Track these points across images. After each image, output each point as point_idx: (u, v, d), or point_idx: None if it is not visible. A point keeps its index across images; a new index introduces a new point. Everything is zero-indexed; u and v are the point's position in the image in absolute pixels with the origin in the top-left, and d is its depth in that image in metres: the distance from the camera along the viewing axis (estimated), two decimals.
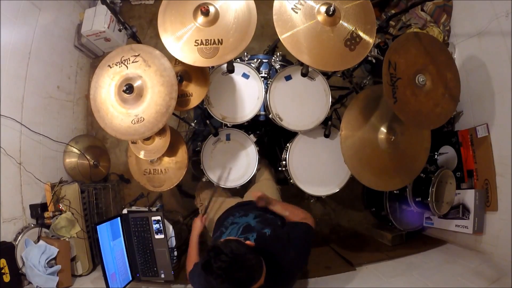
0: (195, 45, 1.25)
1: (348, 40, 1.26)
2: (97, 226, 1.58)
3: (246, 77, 1.66)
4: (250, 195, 1.70)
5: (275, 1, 1.26)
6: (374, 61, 1.58)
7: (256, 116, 1.68)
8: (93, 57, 2.60)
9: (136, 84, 1.28)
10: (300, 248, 1.19)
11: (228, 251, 0.95)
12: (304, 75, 1.52)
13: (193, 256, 1.45)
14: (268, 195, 1.65)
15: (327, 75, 1.75)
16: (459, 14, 1.99)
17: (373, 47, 1.54)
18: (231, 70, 1.52)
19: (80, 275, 1.85)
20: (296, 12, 1.25)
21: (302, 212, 1.40)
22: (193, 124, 1.94)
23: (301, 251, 1.20)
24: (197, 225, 1.55)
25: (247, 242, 1.08)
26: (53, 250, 1.67)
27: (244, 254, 0.98)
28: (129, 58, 1.31)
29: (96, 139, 2.42)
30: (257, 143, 1.70)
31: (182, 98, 1.50)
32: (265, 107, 1.67)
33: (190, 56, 1.25)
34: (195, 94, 1.52)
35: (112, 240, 1.65)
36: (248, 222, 1.32)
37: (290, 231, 1.25)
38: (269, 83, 1.62)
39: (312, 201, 2.26)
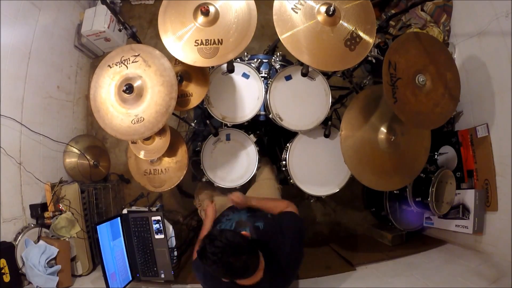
0: (195, 45, 1.25)
1: (348, 40, 1.26)
2: (97, 226, 1.57)
3: (246, 77, 1.66)
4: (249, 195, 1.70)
5: (275, 1, 1.26)
6: (374, 61, 1.58)
7: (256, 116, 1.68)
8: (93, 57, 2.60)
9: (136, 84, 1.28)
10: (295, 239, 1.21)
11: (222, 238, 0.98)
12: (304, 75, 1.52)
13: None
14: (268, 195, 1.66)
15: (327, 75, 1.75)
16: (459, 14, 1.99)
17: (373, 47, 1.54)
18: (231, 70, 1.52)
19: (80, 275, 1.85)
20: (296, 12, 1.25)
21: (282, 202, 1.43)
22: (193, 124, 1.94)
23: (296, 241, 1.21)
24: (210, 213, 1.54)
25: (243, 232, 1.09)
26: (53, 250, 1.67)
27: (238, 242, 1.00)
28: (129, 58, 1.31)
29: (96, 139, 2.42)
30: (257, 143, 1.70)
31: (182, 98, 1.50)
32: (265, 107, 1.67)
33: (190, 56, 1.26)
34: (195, 94, 1.52)
35: (112, 240, 1.65)
36: (241, 217, 1.35)
37: (281, 223, 1.26)
38: (269, 83, 1.62)
39: (312, 201, 2.26)
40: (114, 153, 2.49)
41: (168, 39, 1.27)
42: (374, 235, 2.22)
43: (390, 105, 1.28)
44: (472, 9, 1.86)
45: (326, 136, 1.66)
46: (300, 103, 1.63)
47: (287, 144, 1.72)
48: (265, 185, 1.74)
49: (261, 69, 1.75)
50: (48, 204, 1.83)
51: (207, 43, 1.25)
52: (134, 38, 1.61)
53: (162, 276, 1.67)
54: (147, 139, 1.50)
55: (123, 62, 1.32)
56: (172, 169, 1.62)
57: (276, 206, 1.41)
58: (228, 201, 1.65)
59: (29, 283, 1.60)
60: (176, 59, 1.38)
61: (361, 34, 1.27)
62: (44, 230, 1.77)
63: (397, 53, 1.30)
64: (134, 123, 1.28)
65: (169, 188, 1.63)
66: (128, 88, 1.26)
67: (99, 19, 2.29)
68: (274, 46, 2.13)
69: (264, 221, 1.28)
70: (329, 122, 1.64)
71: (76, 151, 2.17)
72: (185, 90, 1.52)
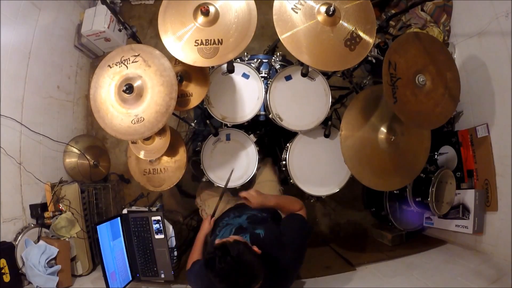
0: (195, 45, 1.26)
1: (348, 40, 1.26)
2: (97, 226, 1.57)
3: (246, 77, 1.66)
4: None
5: (275, 1, 1.26)
6: (374, 61, 1.58)
7: (256, 116, 1.68)
8: (93, 57, 2.60)
9: (136, 84, 1.28)
10: (297, 247, 1.19)
11: (234, 253, 0.94)
12: (304, 75, 1.52)
13: (195, 255, 1.45)
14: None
15: (327, 75, 1.75)
16: (459, 14, 1.99)
17: (373, 47, 1.54)
18: (231, 70, 1.52)
19: (80, 275, 1.85)
20: (296, 12, 1.25)
21: (298, 203, 1.39)
22: (193, 124, 1.94)
23: (298, 250, 1.19)
24: (205, 226, 1.54)
25: (254, 248, 1.06)
26: (53, 250, 1.66)
27: (249, 261, 0.97)
28: (129, 58, 1.31)
29: (96, 139, 2.41)
30: (257, 143, 1.70)
31: (182, 98, 1.50)
32: (265, 107, 1.67)
33: (190, 56, 1.26)
34: (195, 94, 1.52)
35: (112, 240, 1.65)
36: (241, 223, 1.33)
37: (285, 229, 1.23)
38: (269, 83, 1.62)
39: (312, 201, 2.25)
40: (114, 153, 2.49)
41: (168, 39, 1.27)
42: (374, 235, 2.22)
43: (390, 105, 1.28)
44: (472, 9, 1.86)
45: (326, 136, 1.66)
46: (300, 103, 1.63)
47: (287, 144, 1.72)
48: (267, 187, 1.73)
49: (261, 69, 1.75)
50: (48, 204, 1.83)
51: (207, 43, 1.25)
52: (134, 38, 1.61)
53: (162, 276, 1.67)
54: (147, 139, 1.50)
55: (123, 62, 1.32)
56: (171, 168, 1.62)
57: (292, 209, 1.36)
58: (228, 203, 1.66)
59: (29, 283, 1.60)
60: (176, 59, 1.38)
61: (361, 34, 1.27)
62: (44, 230, 1.77)
63: (397, 53, 1.30)
64: (134, 123, 1.28)
65: (168, 188, 1.63)
66: (128, 88, 1.26)
67: (99, 19, 2.29)
68: (274, 46, 2.13)
69: (265, 227, 1.23)
70: (329, 122, 1.64)
71: (76, 151, 2.17)
72: (185, 90, 1.52)
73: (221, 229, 1.36)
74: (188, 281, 1.32)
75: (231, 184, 1.67)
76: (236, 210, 1.49)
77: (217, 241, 1.08)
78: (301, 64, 1.55)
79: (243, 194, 1.32)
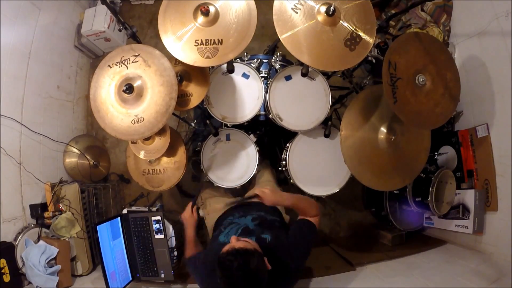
0: (195, 45, 1.26)
1: (348, 40, 1.26)
2: (97, 226, 1.57)
3: (246, 77, 1.66)
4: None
5: (275, 1, 1.26)
6: (374, 61, 1.58)
7: (256, 116, 1.68)
8: (93, 57, 2.60)
9: (136, 84, 1.28)
10: (301, 255, 1.19)
11: (253, 266, 0.95)
12: (304, 75, 1.52)
13: (188, 251, 1.46)
14: None
15: (327, 75, 1.75)
16: (459, 14, 1.99)
17: (373, 47, 1.55)
18: (231, 70, 1.52)
19: (80, 275, 1.85)
20: (296, 12, 1.25)
21: (315, 209, 1.35)
22: (193, 124, 1.94)
23: (301, 259, 1.20)
24: (189, 222, 1.50)
25: (266, 262, 1.05)
26: (53, 250, 1.66)
27: (262, 278, 0.98)
28: (129, 58, 1.31)
29: (96, 139, 2.42)
30: (257, 143, 1.70)
31: (182, 98, 1.50)
32: (265, 107, 1.67)
33: (190, 56, 1.26)
34: (195, 94, 1.52)
35: (112, 240, 1.65)
36: (247, 224, 1.32)
37: (293, 236, 1.23)
38: (269, 83, 1.62)
39: None
40: (114, 153, 2.49)
41: (168, 39, 1.27)
42: (374, 235, 2.22)
43: (390, 105, 1.28)
44: (472, 9, 1.87)
45: (326, 136, 1.66)
46: (300, 103, 1.63)
47: (287, 144, 1.72)
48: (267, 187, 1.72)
49: (261, 69, 1.75)
50: (48, 204, 1.83)
51: (207, 43, 1.25)
52: (134, 38, 1.61)
53: (162, 276, 1.67)
54: (147, 139, 1.50)
55: (123, 62, 1.32)
56: (170, 169, 1.62)
57: (308, 213, 1.34)
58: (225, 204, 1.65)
59: (29, 283, 1.60)
60: (176, 59, 1.38)
61: (361, 34, 1.27)
62: (44, 230, 1.77)
63: (397, 53, 1.30)
64: (134, 123, 1.28)
65: (168, 188, 1.63)
66: (128, 88, 1.26)
67: (99, 19, 2.29)
68: (274, 46, 2.13)
69: (272, 233, 1.22)
70: (329, 122, 1.64)
71: (76, 151, 2.17)
72: (185, 90, 1.52)
73: (226, 227, 1.35)
74: (187, 267, 1.33)
75: (231, 184, 1.67)
76: (241, 209, 1.47)
77: (234, 239, 1.06)
78: (301, 64, 1.55)
79: (256, 191, 1.29)
